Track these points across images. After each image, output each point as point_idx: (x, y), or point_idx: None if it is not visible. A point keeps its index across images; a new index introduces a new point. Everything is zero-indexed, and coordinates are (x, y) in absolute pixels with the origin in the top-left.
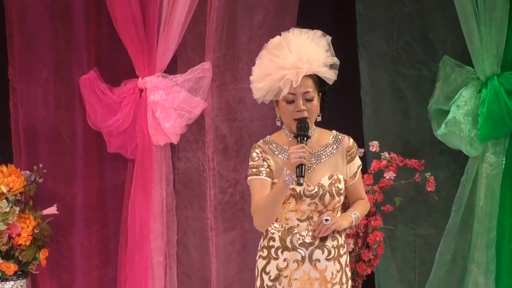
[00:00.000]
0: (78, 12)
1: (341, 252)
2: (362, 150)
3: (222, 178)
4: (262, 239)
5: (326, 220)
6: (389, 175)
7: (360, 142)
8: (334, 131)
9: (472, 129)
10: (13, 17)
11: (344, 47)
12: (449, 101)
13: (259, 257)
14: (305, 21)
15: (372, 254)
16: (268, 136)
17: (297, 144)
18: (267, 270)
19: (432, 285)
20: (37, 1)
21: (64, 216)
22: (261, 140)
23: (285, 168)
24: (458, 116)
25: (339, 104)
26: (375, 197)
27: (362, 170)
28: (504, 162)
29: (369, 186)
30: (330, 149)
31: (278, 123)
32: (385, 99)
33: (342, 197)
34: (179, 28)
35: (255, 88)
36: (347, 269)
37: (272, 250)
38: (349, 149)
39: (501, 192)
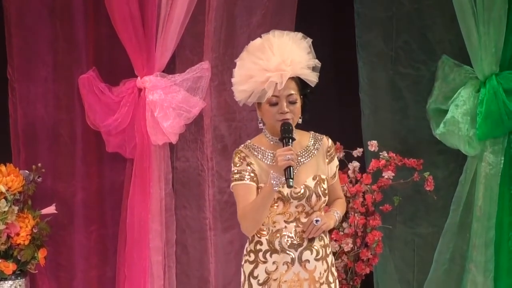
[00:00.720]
0: (77, 12)
1: (327, 251)
2: (360, 150)
3: (221, 177)
4: (248, 243)
5: (317, 221)
6: (388, 174)
7: (359, 141)
8: (312, 132)
9: (470, 129)
10: (12, 17)
11: (343, 47)
12: (447, 100)
13: (245, 262)
14: (304, 21)
15: (371, 254)
16: (248, 141)
17: (283, 146)
18: (255, 274)
19: (430, 284)
20: (36, 1)
21: (63, 215)
22: (241, 145)
23: (272, 172)
24: (457, 116)
25: (338, 104)
26: (373, 197)
27: (361, 169)
28: (502, 161)
29: (368, 186)
30: (311, 150)
31: (261, 125)
32: (384, 98)
33: (326, 197)
34: (178, 27)
35: (237, 90)
36: (333, 269)
37: (260, 254)
38: (328, 149)
39: (499, 192)
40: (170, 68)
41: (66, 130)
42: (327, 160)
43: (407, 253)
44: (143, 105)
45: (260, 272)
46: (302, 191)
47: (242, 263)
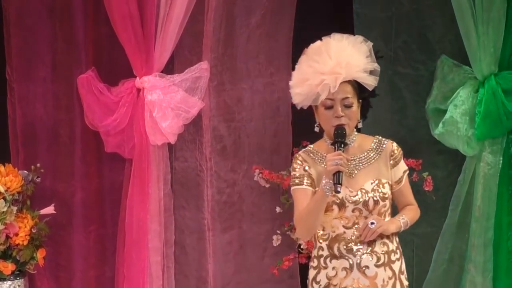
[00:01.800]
0: (76, 12)
1: (393, 258)
2: None
3: (220, 178)
4: (313, 250)
5: (372, 223)
6: None
7: None
8: (377, 136)
9: (469, 129)
10: (11, 16)
11: None
12: (446, 100)
13: (310, 267)
14: (303, 21)
15: None
16: (310, 146)
17: (334, 151)
18: (318, 279)
19: (429, 284)
20: (35, 1)
21: (61, 215)
22: (302, 150)
23: (324, 176)
24: (456, 116)
25: None
26: None
27: None
28: (501, 161)
29: None
30: (372, 154)
31: (317, 129)
32: (383, 98)
33: (387, 202)
34: (177, 27)
35: (293, 93)
36: (402, 277)
37: (321, 259)
38: (392, 153)
39: (498, 192)
40: (169, 68)
41: (65, 130)
42: (390, 165)
43: (406, 253)
44: (141, 105)
45: (322, 277)
46: (359, 195)
47: (309, 269)
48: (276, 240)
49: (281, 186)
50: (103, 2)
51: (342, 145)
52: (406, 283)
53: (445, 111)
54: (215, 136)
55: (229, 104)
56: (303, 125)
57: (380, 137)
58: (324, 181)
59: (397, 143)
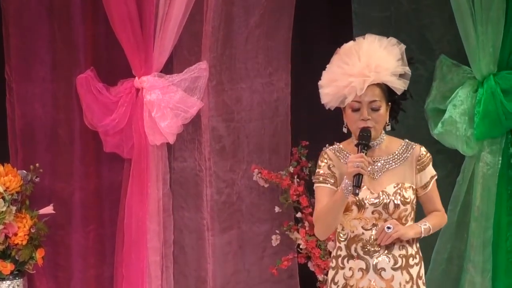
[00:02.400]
0: (75, 12)
1: (411, 262)
2: None
3: (219, 178)
4: (333, 250)
5: (388, 228)
6: None
7: None
8: (406, 140)
9: (468, 129)
10: (10, 16)
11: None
12: (445, 100)
13: (329, 268)
14: (302, 21)
15: None
16: (337, 144)
17: (357, 152)
18: (336, 280)
19: (428, 284)
20: (34, 0)
21: (60, 215)
22: (330, 147)
23: (345, 177)
24: (455, 116)
25: None
26: None
27: None
28: (500, 161)
29: None
30: (398, 157)
31: (345, 130)
32: None
33: (408, 206)
34: (176, 27)
35: (322, 92)
36: (420, 282)
37: (339, 260)
38: (419, 158)
39: (497, 192)
40: (168, 68)
41: (64, 130)
42: (416, 169)
43: None
44: (140, 105)
45: (340, 278)
46: (380, 197)
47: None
48: (275, 240)
49: (280, 186)
50: (102, 2)
51: (365, 148)
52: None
53: (444, 111)
54: (214, 136)
55: (228, 104)
56: (302, 125)
57: (408, 141)
58: (344, 182)
59: None
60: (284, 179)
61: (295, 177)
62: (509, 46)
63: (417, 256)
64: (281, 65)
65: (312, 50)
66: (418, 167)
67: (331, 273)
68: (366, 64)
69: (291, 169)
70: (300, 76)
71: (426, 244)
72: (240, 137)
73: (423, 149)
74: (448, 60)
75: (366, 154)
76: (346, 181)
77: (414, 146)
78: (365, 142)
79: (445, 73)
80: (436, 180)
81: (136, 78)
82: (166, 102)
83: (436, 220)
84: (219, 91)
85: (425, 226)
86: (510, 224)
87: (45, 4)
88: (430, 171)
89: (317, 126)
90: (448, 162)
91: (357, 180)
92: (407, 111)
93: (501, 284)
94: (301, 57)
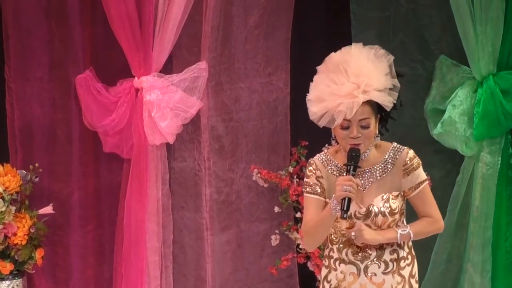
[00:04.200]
0: (73, 12)
1: (402, 264)
2: None
3: (218, 177)
4: (325, 248)
5: (354, 236)
6: None
7: None
8: (394, 144)
9: (467, 129)
10: (9, 17)
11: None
12: (445, 100)
13: (323, 266)
14: (301, 21)
15: None
16: (325, 151)
17: (346, 174)
18: (329, 278)
19: (428, 285)
20: (32, 1)
21: (60, 215)
22: (317, 156)
23: (333, 197)
24: (454, 116)
25: None
26: None
27: None
28: (499, 161)
29: None
30: (386, 165)
31: (333, 142)
32: None
33: (396, 216)
34: (175, 27)
35: (310, 111)
36: (412, 280)
37: (332, 261)
38: (405, 163)
39: (496, 192)
40: (168, 68)
41: (63, 130)
42: (403, 174)
43: None
44: (140, 105)
45: (332, 278)
46: (369, 211)
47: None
48: (275, 240)
49: (280, 186)
50: (100, 2)
51: (354, 169)
52: (415, 286)
53: (443, 111)
54: (213, 136)
55: (227, 104)
56: (301, 125)
57: (397, 145)
58: (332, 202)
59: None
60: (284, 179)
61: (295, 177)
62: (509, 46)
63: (409, 256)
64: (281, 65)
65: (311, 50)
66: (404, 171)
67: (324, 271)
68: (355, 85)
69: (291, 169)
70: (299, 76)
71: (425, 244)
72: (238, 137)
73: (411, 153)
74: (448, 60)
75: (354, 175)
76: (334, 201)
77: (402, 150)
78: (353, 163)
79: (444, 73)
80: (436, 180)
81: (136, 78)
82: (166, 102)
83: (422, 226)
84: (218, 91)
85: (404, 232)
86: (509, 224)
87: (43, 5)
88: (418, 175)
89: (317, 126)
90: (447, 162)
91: (345, 204)
92: (405, 111)
93: (500, 284)
94: (300, 57)
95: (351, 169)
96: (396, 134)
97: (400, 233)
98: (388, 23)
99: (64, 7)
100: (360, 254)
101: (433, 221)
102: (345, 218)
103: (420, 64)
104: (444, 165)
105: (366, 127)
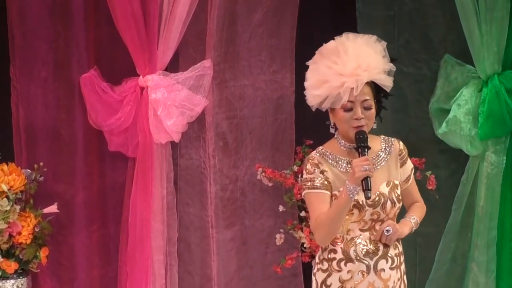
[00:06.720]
0: (77, 11)
1: (401, 260)
2: None
3: (223, 175)
4: (320, 252)
5: (388, 231)
6: None
7: None
8: (382, 136)
9: (472, 128)
10: (14, 17)
11: None
12: (450, 100)
13: (317, 270)
14: (305, 20)
15: None
16: (320, 147)
17: (358, 156)
18: (328, 283)
19: (432, 284)
20: (37, 1)
21: (64, 214)
22: (314, 151)
23: (347, 182)
24: (459, 115)
25: None
26: None
27: None
28: (504, 161)
29: None
30: (383, 155)
31: (332, 130)
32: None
33: (400, 204)
34: (180, 26)
35: (311, 95)
36: (405, 277)
37: (334, 263)
38: (400, 152)
39: (501, 191)
40: (174, 66)
41: (67, 130)
42: (399, 164)
43: (409, 252)
44: (145, 104)
45: (334, 281)
46: (377, 198)
47: (314, 271)
48: (279, 239)
49: (284, 185)
50: (105, 1)
51: (366, 150)
52: (406, 282)
53: (448, 111)
54: (218, 133)
55: (232, 101)
56: (306, 124)
57: (385, 136)
58: (349, 187)
59: None
60: (288, 178)
61: (299, 176)
62: None
63: (402, 252)
64: (285, 64)
65: (316, 49)
66: (400, 161)
67: (321, 275)
68: (357, 63)
69: (295, 168)
70: (304, 75)
71: (430, 244)
72: (243, 134)
73: (401, 144)
74: (453, 59)
75: (367, 155)
76: (350, 186)
77: (393, 141)
78: (364, 144)
79: (449, 72)
80: (440, 180)
81: (141, 76)
82: (171, 101)
83: (419, 212)
84: (222, 89)
85: (414, 220)
86: None
87: (48, 4)
88: (410, 164)
89: (321, 125)
90: (452, 162)
91: (367, 184)
92: (409, 110)
93: (505, 284)
94: (305, 56)
95: (364, 150)
96: (401, 133)
97: (413, 222)
98: (393, 22)
99: (68, 7)
100: (369, 250)
101: (422, 205)
102: (369, 198)
103: (425, 63)
104: (449, 164)
105: (369, 108)
